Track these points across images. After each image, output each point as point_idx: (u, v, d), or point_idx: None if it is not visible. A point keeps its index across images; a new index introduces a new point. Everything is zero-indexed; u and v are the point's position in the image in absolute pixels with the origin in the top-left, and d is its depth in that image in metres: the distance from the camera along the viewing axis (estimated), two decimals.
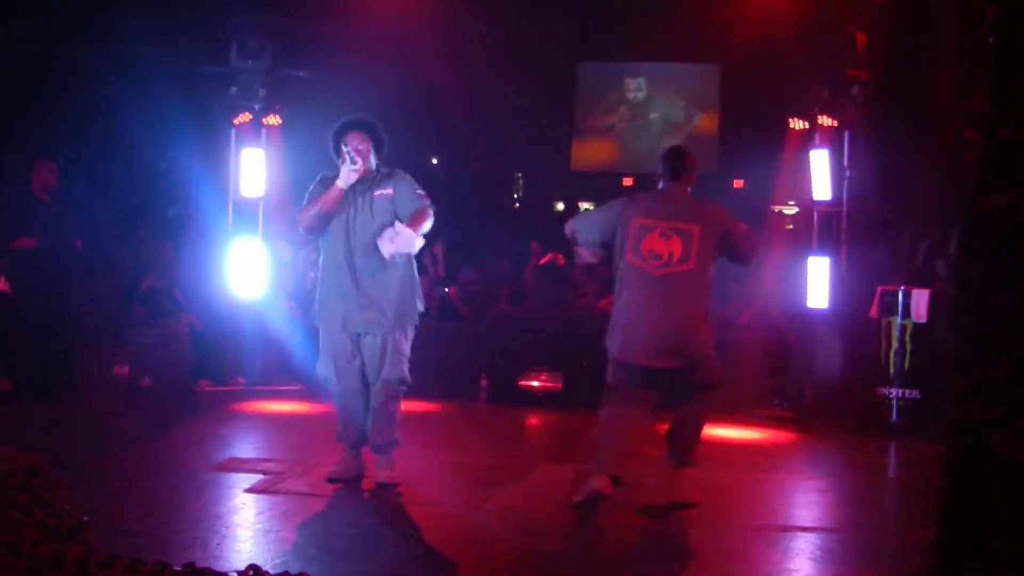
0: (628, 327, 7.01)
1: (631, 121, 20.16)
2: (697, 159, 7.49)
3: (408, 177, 7.50)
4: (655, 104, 20.08)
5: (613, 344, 7.10)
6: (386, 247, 7.13)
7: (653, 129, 20.07)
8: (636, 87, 20.17)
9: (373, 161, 7.46)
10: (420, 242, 7.24)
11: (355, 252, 7.33)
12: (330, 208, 7.33)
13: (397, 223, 7.15)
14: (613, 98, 20.34)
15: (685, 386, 7.02)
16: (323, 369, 7.61)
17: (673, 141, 19.58)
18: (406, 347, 7.50)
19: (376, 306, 7.33)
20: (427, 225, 7.26)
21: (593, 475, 6.83)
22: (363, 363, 7.48)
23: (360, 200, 7.35)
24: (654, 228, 6.99)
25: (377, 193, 7.36)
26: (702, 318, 7.02)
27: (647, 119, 20.09)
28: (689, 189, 7.29)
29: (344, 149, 7.26)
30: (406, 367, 7.50)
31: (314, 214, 7.36)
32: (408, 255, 7.43)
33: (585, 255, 7.43)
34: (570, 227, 7.43)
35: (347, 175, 7.21)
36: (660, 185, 7.32)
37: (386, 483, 7.47)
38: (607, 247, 7.25)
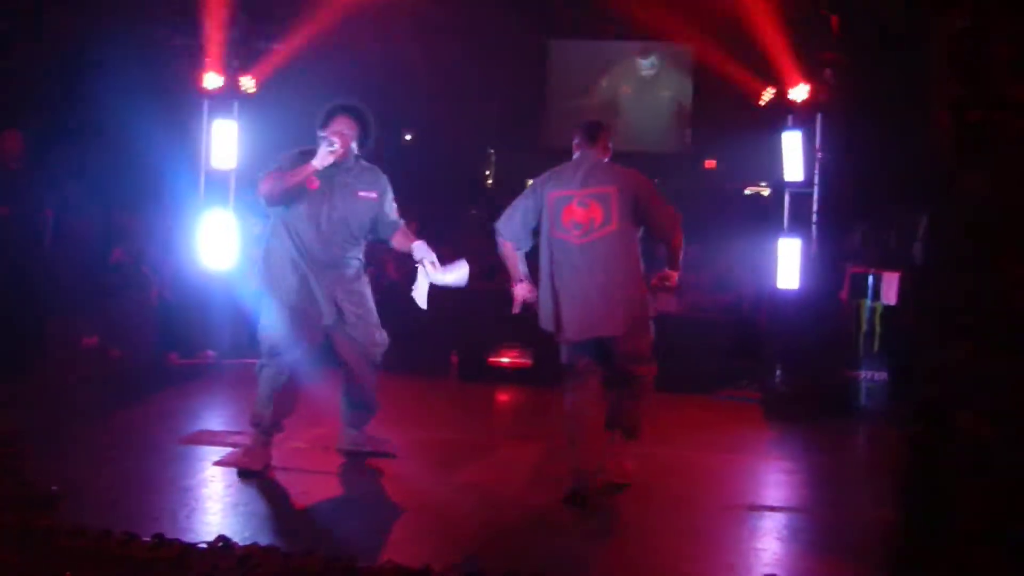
0: (566, 305, 7.01)
1: (637, 98, 20.09)
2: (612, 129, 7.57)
3: (385, 179, 7.50)
4: (667, 82, 20.00)
5: (554, 325, 7.10)
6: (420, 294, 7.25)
7: (661, 107, 20.02)
8: (649, 65, 20.10)
9: (355, 149, 7.40)
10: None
11: (321, 244, 7.25)
12: (296, 185, 7.16)
13: (433, 266, 7.22)
14: (594, 76, 20.29)
15: (621, 356, 7.03)
16: (269, 337, 7.46)
17: (677, 122, 19.67)
18: (373, 317, 7.49)
19: (335, 301, 7.32)
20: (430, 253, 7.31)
21: (579, 471, 6.89)
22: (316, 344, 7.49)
23: (338, 194, 7.25)
24: (571, 198, 7.02)
25: (362, 194, 7.29)
26: (634, 281, 7.03)
27: (656, 96, 20.03)
28: (607, 158, 7.31)
29: (320, 135, 7.23)
30: (376, 356, 7.55)
31: (280, 186, 7.15)
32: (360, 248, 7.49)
33: (508, 249, 7.36)
34: (498, 225, 7.41)
35: (324, 156, 7.07)
36: (576, 154, 7.34)
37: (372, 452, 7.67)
38: (537, 232, 7.25)
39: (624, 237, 6.97)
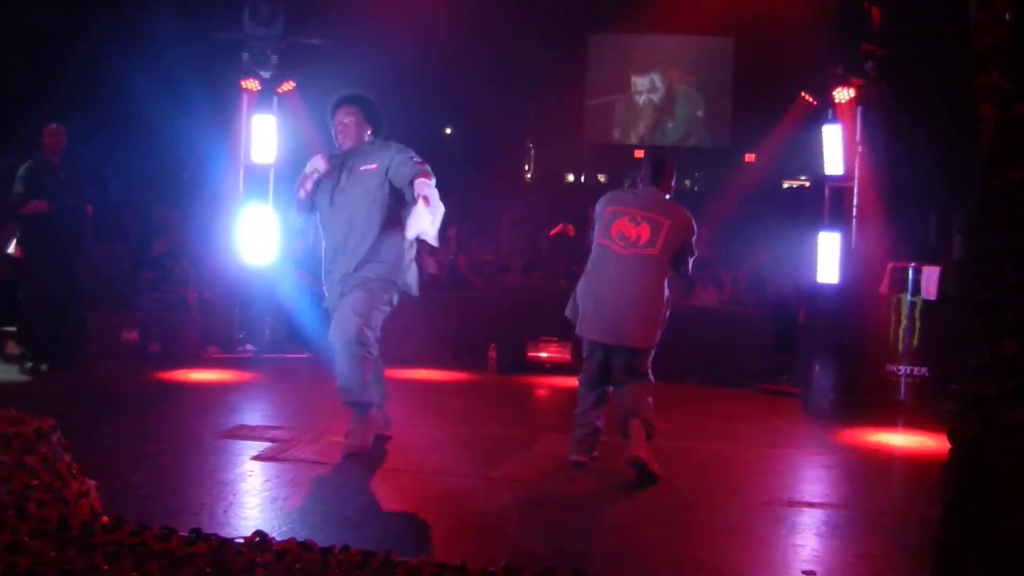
0: (588, 303, 7.41)
1: (677, 91, 20.05)
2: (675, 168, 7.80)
3: (397, 145, 7.49)
4: (705, 76, 19.94)
5: (574, 320, 7.55)
6: (411, 230, 7.06)
7: (700, 100, 20.02)
8: (649, 86, 20.04)
9: (365, 135, 7.51)
10: (437, 204, 7.01)
11: (334, 227, 7.46)
12: (307, 192, 7.50)
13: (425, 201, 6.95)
14: (633, 70, 20.26)
15: (621, 365, 7.37)
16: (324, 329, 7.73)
17: (716, 116, 19.63)
18: (363, 309, 7.33)
19: (343, 276, 7.36)
20: (428, 187, 7.01)
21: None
22: None
23: (344, 175, 7.48)
24: (625, 214, 7.39)
25: (362, 168, 7.44)
26: (657, 307, 7.33)
27: (695, 90, 20.01)
28: (667, 196, 7.62)
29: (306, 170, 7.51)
30: (355, 326, 7.26)
31: (297, 200, 7.60)
32: (394, 231, 7.42)
33: None
34: None
35: (312, 165, 7.46)
36: (639, 186, 7.68)
37: (346, 451, 7.47)
38: None
39: (660, 264, 7.32)
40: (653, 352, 7.45)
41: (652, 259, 7.26)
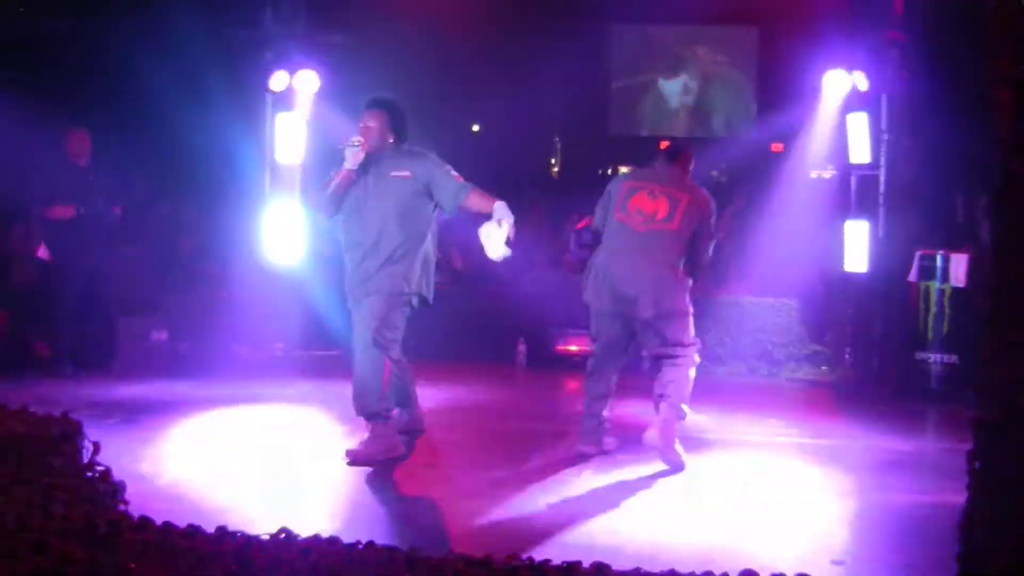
0: (603, 274, 7.39)
1: (701, 82, 19.96)
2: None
3: (432, 157, 7.46)
4: (730, 65, 19.85)
5: (588, 293, 7.54)
6: (494, 251, 7.14)
7: (725, 90, 19.95)
8: (680, 90, 19.91)
9: (388, 139, 7.43)
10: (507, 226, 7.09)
11: (364, 232, 7.34)
12: (339, 190, 7.36)
13: (486, 225, 7.09)
14: (655, 61, 20.20)
15: (656, 339, 7.32)
16: None
17: (742, 106, 19.58)
18: (381, 312, 7.22)
19: (366, 278, 7.29)
20: (508, 213, 7.17)
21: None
22: None
23: (372, 181, 7.34)
24: (643, 188, 7.44)
25: (394, 174, 7.33)
26: (676, 277, 7.33)
27: (720, 79, 19.91)
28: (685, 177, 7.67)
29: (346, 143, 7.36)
30: (372, 328, 7.19)
31: (324, 197, 7.45)
32: (420, 240, 7.38)
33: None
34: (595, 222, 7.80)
35: (351, 157, 7.25)
36: (656, 167, 7.80)
37: (345, 455, 7.28)
38: None
39: (678, 239, 7.32)
40: (689, 320, 7.41)
41: (671, 233, 7.27)
